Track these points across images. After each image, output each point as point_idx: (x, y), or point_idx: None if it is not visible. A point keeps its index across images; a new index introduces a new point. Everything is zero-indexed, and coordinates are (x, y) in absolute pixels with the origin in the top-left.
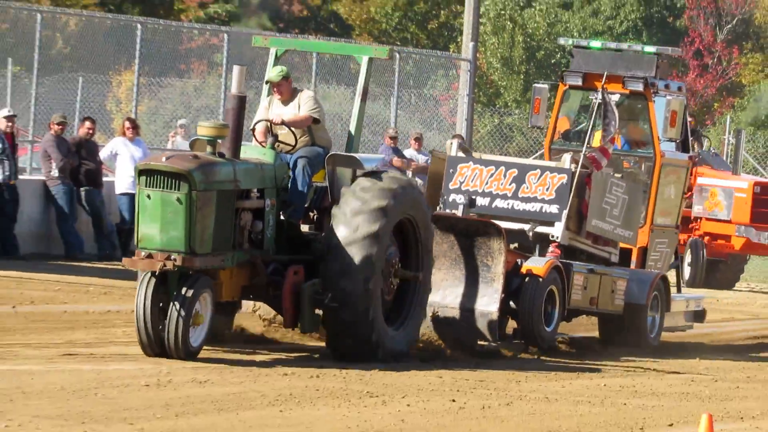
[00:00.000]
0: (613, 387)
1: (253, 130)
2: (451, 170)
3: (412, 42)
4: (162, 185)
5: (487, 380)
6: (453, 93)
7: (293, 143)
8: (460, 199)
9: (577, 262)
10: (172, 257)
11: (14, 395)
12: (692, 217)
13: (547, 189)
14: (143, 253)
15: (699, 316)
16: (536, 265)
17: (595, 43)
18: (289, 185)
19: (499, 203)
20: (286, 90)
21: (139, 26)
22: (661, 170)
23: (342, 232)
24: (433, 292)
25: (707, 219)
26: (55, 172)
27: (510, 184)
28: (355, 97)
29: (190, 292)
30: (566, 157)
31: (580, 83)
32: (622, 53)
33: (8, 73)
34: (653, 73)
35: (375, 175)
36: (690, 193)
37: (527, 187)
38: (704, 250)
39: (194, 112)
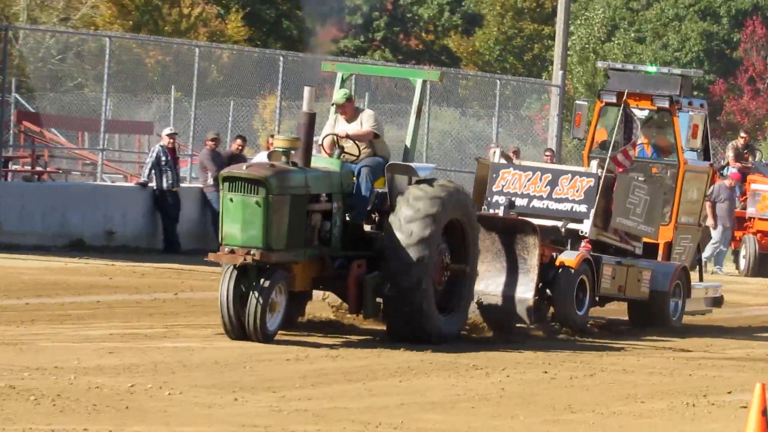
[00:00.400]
0: (680, 360)
1: (322, 143)
2: (494, 175)
3: (511, 71)
4: (243, 190)
5: (573, 355)
6: (545, 113)
7: (357, 154)
8: (502, 200)
9: (606, 255)
10: (252, 252)
11: (176, 368)
12: (746, 217)
13: (577, 191)
14: (227, 249)
15: (717, 302)
16: (569, 257)
17: (628, 66)
18: (354, 190)
19: (536, 203)
20: (350, 110)
21: (281, 58)
22: (684, 176)
23: (398, 236)
24: (477, 282)
25: (759, 219)
26: (210, 181)
27: (545, 187)
28: (411, 115)
29: (267, 283)
30: (593, 164)
31: (614, 100)
32: (652, 75)
33: (171, 98)
34: (677, 92)
35: (426, 183)
36: (745, 197)
37: (560, 189)
38: (757, 246)
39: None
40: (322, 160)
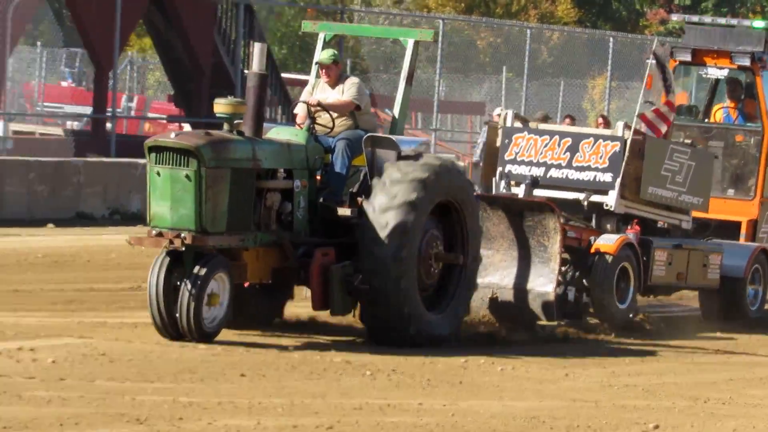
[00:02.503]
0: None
1: (294, 112)
2: (506, 141)
3: None
4: (171, 162)
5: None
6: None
7: (331, 126)
8: (516, 169)
9: (660, 238)
10: (182, 235)
11: (510, 344)
12: None
13: (601, 157)
14: (154, 232)
15: None
16: (607, 242)
17: (707, 19)
18: (328, 167)
19: (554, 173)
20: (334, 74)
21: (611, 39)
22: None
23: (380, 199)
24: (491, 273)
25: None
26: None
27: (564, 154)
28: (400, 81)
29: (202, 272)
30: (619, 125)
31: (689, 59)
32: (732, 29)
33: (503, 78)
34: (762, 48)
35: (411, 159)
36: None
37: (581, 156)
38: None
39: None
40: (286, 131)
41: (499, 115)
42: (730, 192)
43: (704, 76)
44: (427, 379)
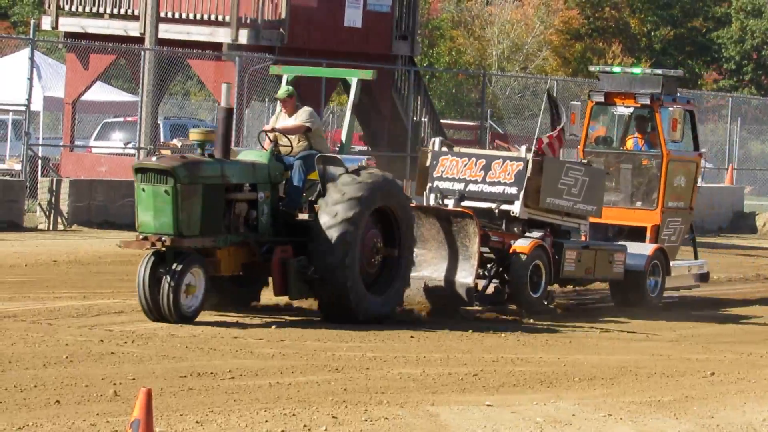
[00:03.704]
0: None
1: (259, 138)
2: (434, 162)
3: None
4: (153, 180)
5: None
6: None
7: (290, 147)
8: (443, 185)
9: (571, 240)
10: (163, 239)
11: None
12: None
13: (508, 174)
14: (141, 236)
15: (704, 277)
16: (522, 244)
17: (617, 69)
18: (288, 181)
19: (472, 187)
20: (290, 105)
21: None
22: (668, 165)
23: (324, 218)
24: (425, 268)
25: None
26: None
27: (479, 171)
28: (347, 111)
29: (179, 267)
30: (522, 148)
31: (603, 100)
32: (637, 75)
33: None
34: (659, 90)
35: (356, 172)
36: None
37: (492, 173)
38: None
39: None
40: (252, 153)
41: (434, 140)
42: (638, 204)
43: (615, 113)
44: (546, 340)
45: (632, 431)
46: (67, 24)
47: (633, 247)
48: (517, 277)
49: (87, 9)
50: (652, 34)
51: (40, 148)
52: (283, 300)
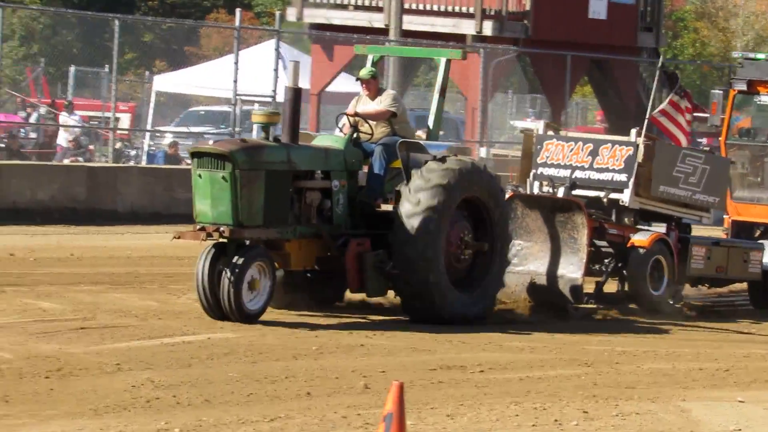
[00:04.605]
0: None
1: (337, 121)
2: (538, 147)
3: None
4: (210, 165)
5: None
6: None
7: (370, 133)
8: (547, 172)
9: (700, 236)
10: (221, 229)
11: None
12: None
13: (617, 160)
14: (198, 227)
15: None
16: (641, 238)
17: (761, 55)
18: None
19: (578, 173)
20: (373, 87)
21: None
22: None
23: (405, 206)
24: (531, 262)
25: None
26: None
27: (587, 157)
28: (434, 94)
29: (240, 260)
30: (633, 132)
31: (745, 88)
32: None
33: None
34: None
35: (442, 159)
36: None
37: (601, 159)
38: None
39: None
40: (328, 138)
41: (538, 123)
42: None
43: (758, 103)
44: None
45: None
46: (312, 15)
47: None
48: (636, 273)
49: (331, 0)
50: None
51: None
52: (376, 298)
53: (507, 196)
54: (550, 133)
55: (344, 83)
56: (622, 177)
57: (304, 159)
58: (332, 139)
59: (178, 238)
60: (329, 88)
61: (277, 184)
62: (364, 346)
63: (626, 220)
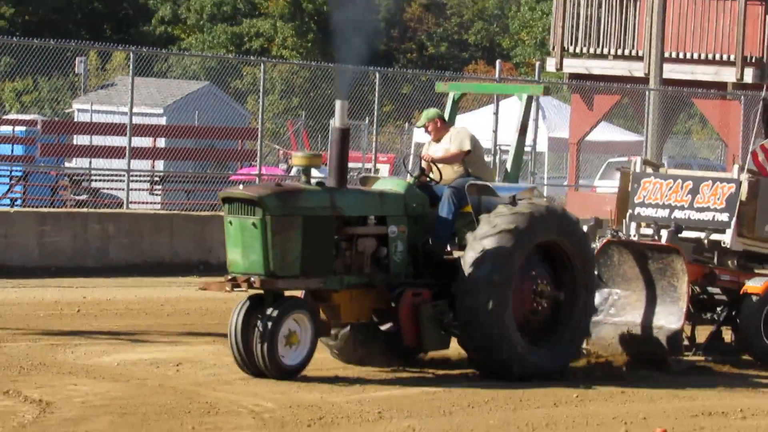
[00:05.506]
0: None
1: (405, 163)
2: (635, 185)
3: None
4: (240, 211)
5: None
6: None
7: (438, 179)
8: (645, 212)
9: None
10: (251, 279)
11: None
12: None
13: (718, 198)
14: (228, 277)
15: None
16: (754, 284)
17: None
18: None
19: (677, 214)
20: (434, 130)
21: None
22: None
23: (469, 254)
24: (628, 312)
25: None
26: None
27: (686, 196)
28: (514, 133)
29: (275, 312)
30: (735, 167)
31: None
32: None
33: None
34: None
35: (513, 202)
36: None
37: (701, 198)
38: None
39: None
40: (389, 182)
41: (635, 161)
42: None
43: None
44: None
45: None
46: (572, 65)
47: None
48: (747, 322)
49: (591, 50)
50: None
51: (545, 187)
52: (456, 353)
53: (604, 241)
54: (649, 170)
55: (603, 132)
56: (724, 216)
57: (353, 203)
58: (393, 182)
59: (204, 289)
60: (589, 137)
61: (318, 230)
62: (624, 393)
63: (729, 263)
